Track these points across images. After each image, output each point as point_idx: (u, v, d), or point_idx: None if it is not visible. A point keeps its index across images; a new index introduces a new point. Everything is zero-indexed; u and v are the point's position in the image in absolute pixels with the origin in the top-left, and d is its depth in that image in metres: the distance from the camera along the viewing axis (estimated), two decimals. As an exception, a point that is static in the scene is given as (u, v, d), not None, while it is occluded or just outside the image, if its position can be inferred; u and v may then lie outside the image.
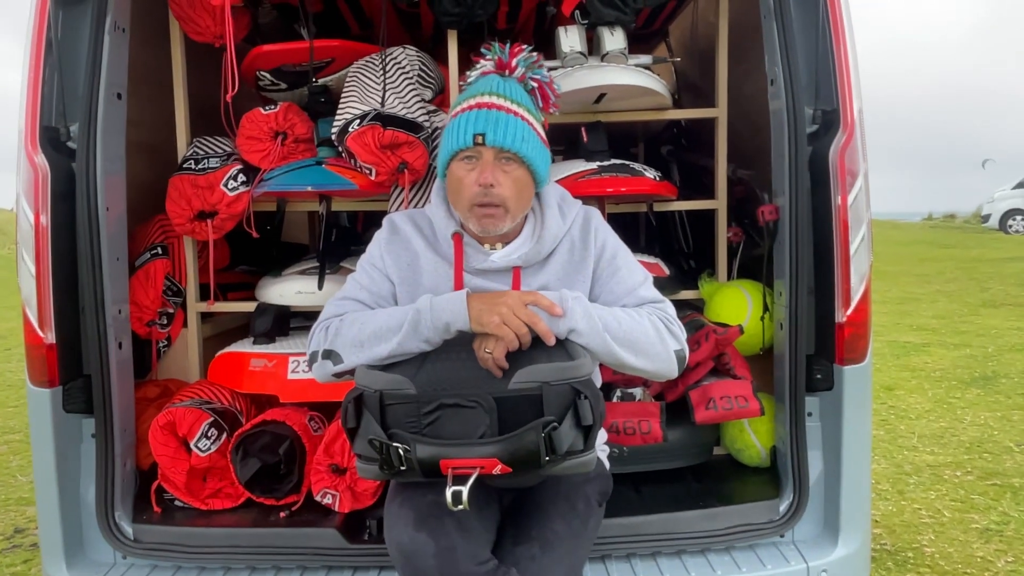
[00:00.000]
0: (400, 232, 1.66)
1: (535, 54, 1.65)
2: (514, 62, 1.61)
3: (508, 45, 1.63)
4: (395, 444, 1.38)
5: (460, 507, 1.33)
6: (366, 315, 1.55)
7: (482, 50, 1.65)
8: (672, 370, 1.57)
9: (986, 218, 18.78)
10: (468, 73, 1.68)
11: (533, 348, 1.44)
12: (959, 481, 3.62)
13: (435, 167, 2.21)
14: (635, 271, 1.65)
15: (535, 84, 1.64)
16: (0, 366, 6.78)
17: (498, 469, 1.36)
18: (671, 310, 1.62)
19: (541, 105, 1.66)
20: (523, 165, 1.53)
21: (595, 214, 1.70)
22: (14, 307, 9.76)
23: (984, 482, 3.59)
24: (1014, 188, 18.08)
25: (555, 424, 1.36)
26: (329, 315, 1.60)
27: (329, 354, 1.53)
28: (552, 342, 1.45)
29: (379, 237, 1.68)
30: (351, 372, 1.52)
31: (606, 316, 1.50)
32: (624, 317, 1.52)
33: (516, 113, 1.53)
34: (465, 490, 1.33)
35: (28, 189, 1.84)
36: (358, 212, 3.20)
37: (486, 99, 1.54)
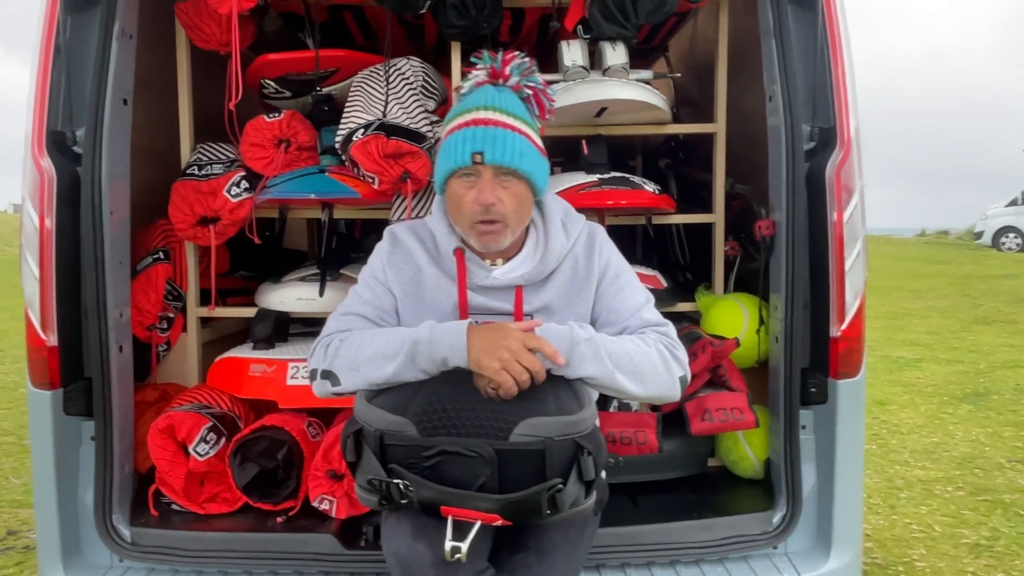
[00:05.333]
0: (402, 245, 1.65)
1: (527, 60, 1.63)
2: (507, 70, 1.59)
3: (500, 53, 1.61)
4: (396, 481, 1.38)
5: (457, 557, 1.34)
6: (366, 336, 1.52)
7: (472, 59, 1.63)
8: (675, 395, 1.57)
9: (979, 235, 18.91)
10: (460, 84, 1.66)
11: (539, 389, 1.42)
12: (950, 496, 3.64)
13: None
14: (638, 292, 1.65)
15: (530, 92, 1.62)
16: (-7, 368, 6.74)
17: (499, 522, 1.38)
18: (673, 333, 1.62)
19: (537, 113, 1.65)
20: (522, 180, 1.53)
21: (599, 231, 1.69)
22: (6, 308, 9.73)
23: (975, 498, 3.61)
24: (1007, 206, 18.22)
25: (560, 487, 1.36)
26: (331, 331, 1.59)
27: (328, 374, 1.52)
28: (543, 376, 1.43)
29: (380, 250, 1.67)
30: (353, 392, 1.53)
31: (617, 352, 1.49)
32: (634, 350, 1.51)
33: (513, 128, 1.52)
34: (464, 546, 1.34)
35: (34, 192, 1.85)
36: (355, 220, 3.22)
37: (482, 114, 1.52)
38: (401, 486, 1.38)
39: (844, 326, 1.92)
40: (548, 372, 1.44)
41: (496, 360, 1.38)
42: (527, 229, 1.64)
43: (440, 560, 1.38)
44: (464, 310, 1.58)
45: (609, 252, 1.67)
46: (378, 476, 1.40)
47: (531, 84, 1.62)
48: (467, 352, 1.41)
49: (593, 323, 1.62)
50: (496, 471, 1.36)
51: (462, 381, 1.43)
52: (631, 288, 1.65)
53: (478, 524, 1.36)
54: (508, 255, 1.62)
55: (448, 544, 1.34)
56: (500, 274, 1.59)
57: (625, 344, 1.52)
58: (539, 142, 1.59)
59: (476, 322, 1.49)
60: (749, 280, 2.42)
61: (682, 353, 1.59)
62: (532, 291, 1.60)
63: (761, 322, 2.21)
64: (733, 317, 2.32)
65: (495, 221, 1.52)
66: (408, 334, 1.47)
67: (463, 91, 1.64)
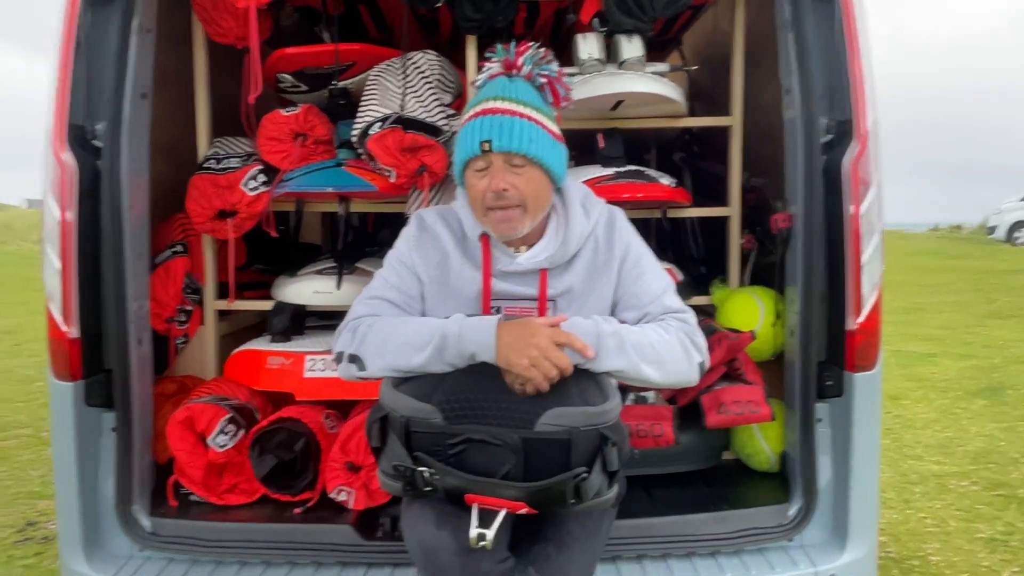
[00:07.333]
0: (429, 230, 1.67)
1: (542, 50, 1.63)
2: (520, 61, 1.60)
3: (513, 45, 1.62)
4: (420, 469, 1.40)
5: (483, 544, 1.35)
6: (394, 324, 1.54)
7: (487, 53, 1.65)
8: (694, 380, 1.59)
9: (992, 229, 18.76)
10: (476, 78, 1.69)
11: (562, 381, 1.43)
12: (964, 491, 3.62)
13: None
14: (659, 277, 1.66)
15: (544, 80, 1.63)
16: (9, 361, 6.78)
17: (524, 510, 1.39)
18: (693, 320, 1.63)
19: (551, 101, 1.65)
20: (536, 165, 1.54)
21: (619, 214, 1.70)
22: (24, 303, 9.82)
23: (990, 492, 3.60)
24: (1021, 200, 18.05)
25: (585, 475, 1.38)
26: (359, 315, 1.60)
27: (354, 358, 1.53)
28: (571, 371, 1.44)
29: (407, 234, 1.68)
30: (378, 377, 1.54)
31: (641, 343, 1.50)
32: (657, 340, 1.52)
33: (522, 115, 1.53)
34: (490, 533, 1.35)
35: (55, 186, 1.87)
36: (368, 213, 3.23)
37: (491, 104, 1.54)
38: (426, 474, 1.39)
39: (861, 319, 1.91)
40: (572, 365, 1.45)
41: (525, 357, 1.40)
42: (547, 216, 1.65)
43: (464, 548, 1.39)
44: (488, 296, 1.59)
45: (629, 235, 1.68)
46: (403, 462, 1.41)
47: (544, 73, 1.63)
48: (496, 349, 1.42)
49: (614, 306, 1.64)
50: (521, 460, 1.37)
51: (487, 371, 1.45)
52: (652, 273, 1.66)
53: (504, 512, 1.37)
54: (530, 242, 1.63)
55: (474, 531, 1.35)
56: (524, 259, 1.60)
57: (648, 334, 1.53)
58: (554, 128, 1.60)
59: (504, 316, 1.51)
60: (765, 273, 2.42)
61: (701, 340, 1.60)
62: (555, 275, 1.61)
63: (777, 315, 2.21)
64: (749, 310, 2.32)
65: (512, 206, 1.53)
66: (437, 327, 1.48)
67: (478, 84, 1.66)
